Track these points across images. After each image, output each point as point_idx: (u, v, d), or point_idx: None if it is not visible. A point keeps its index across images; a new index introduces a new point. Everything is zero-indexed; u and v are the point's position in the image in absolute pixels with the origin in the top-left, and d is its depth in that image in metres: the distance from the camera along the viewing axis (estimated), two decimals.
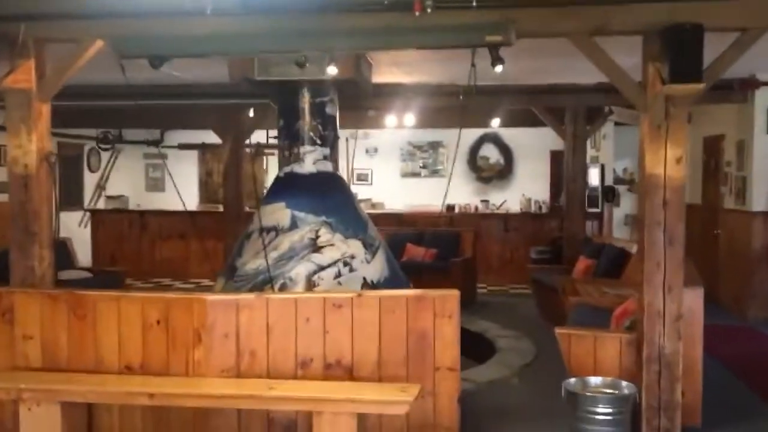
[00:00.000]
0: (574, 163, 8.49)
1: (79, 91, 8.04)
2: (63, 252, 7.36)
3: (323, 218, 5.64)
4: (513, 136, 12.11)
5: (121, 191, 13.10)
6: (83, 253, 11.34)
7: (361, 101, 7.88)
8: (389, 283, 5.70)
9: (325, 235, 5.59)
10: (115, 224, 11.16)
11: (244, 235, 5.87)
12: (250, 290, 5.35)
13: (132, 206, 13.32)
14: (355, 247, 5.66)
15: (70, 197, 12.03)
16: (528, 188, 11.79)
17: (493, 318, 7.56)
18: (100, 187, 12.87)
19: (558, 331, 4.47)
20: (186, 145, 13.31)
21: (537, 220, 10.63)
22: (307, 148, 5.80)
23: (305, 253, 5.48)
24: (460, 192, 12.28)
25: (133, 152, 13.78)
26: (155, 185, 14.40)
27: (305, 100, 5.77)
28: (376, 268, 5.70)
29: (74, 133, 11.59)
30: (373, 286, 5.56)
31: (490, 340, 6.45)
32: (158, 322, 3.76)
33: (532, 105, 8.50)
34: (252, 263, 5.51)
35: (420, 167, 13.20)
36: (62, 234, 11.95)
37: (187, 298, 3.76)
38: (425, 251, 8.67)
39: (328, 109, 5.87)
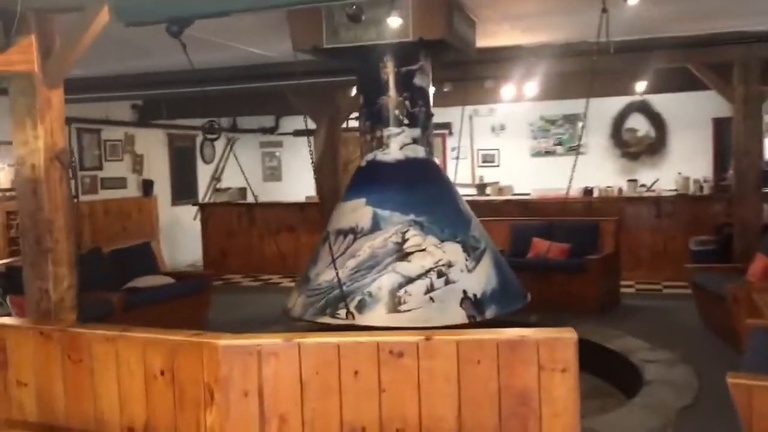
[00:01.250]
0: (746, 132, 6.78)
1: (168, 78, 7.53)
2: (146, 255, 6.80)
3: (412, 217, 4.56)
4: (666, 102, 10.32)
5: (239, 182, 12.68)
6: (195, 249, 10.99)
7: (471, 70, 6.67)
8: (498, 297, 4.53)
9: (414, 238, 4.50)
10: (225, 218, 10.65)
11: (322, 237, 4.91)
12: (323, 308, 4.39)
13: (249, 197, 12.90)
14: (453, 252, 4.54)
15: (184, 190, 11.73)
16: (685, 165, 9.98)
17: (641, 330, 6.14)
18: (215, 179, 12.50)
19: (731, 381, 3.11)
20: (301, 132, 12.65)
21: (697, 203, 8.88)
22: (392, 130, 4.72)
23: (389, 261, 4.43)
24: (601, 171, 10.70)
25: (249, 141, 13.35)
26: (272, 174, 13.93)
27: (387, 70, 4.69)
28: (480, 277, 4.54)
29: (184, 123, 11.24)
30: (476, 302, 4.41)
31: (635, 365, 5.09)
32: (162, 373, 2.86)
33: (688, 62, 6.86)
34: (326, 273, 4.54)
35: (554, 144, 11.71)
36: (174, 229, 11.75)
37: (195, 341, 2.82)
38: (556, 246, 7.33)
39: (418, 80, 4.76)
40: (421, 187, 4.71)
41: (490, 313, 4.44)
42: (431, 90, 4.92)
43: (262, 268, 10.39)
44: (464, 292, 4.41)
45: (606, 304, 7.05)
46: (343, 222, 4.71)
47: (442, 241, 4.55)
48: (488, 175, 11.96)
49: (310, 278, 4.66)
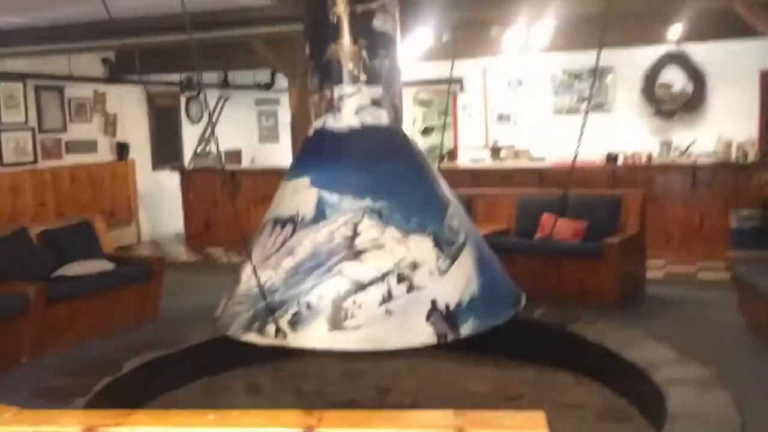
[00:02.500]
0: None
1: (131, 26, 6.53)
2: (85, 236, 5.91)
3: (368, 202, 3.55)
4: (706, 52, 9.06)
5: (234, 144, 11.70)
6: (178, 220, 10.13)
7: (469, 13, 5.57)
8: (479, 307, 3.54)
9: (369, 230, 3.50)
10: (208, 185, 9.74)
11: (260, 227, 3.93)
12: (250, 321, 3.44)
13: (245, 160, 11.97)
14: (421, 248, 3.53)
15: (167, 154, 10.82)
16: (727, 126, 8.76)
17: (668, 331, 5.13)
18: (205, 140, 11.55)
19: None
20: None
21: (741, 172, 7.69)
22: (345, 89, 3.69)
23: (335, 262, 3.44)
24: (630, 133, 9.55)
25: (243, 99, 12.36)
26: (269, 135, 12.96)
27: (338, 10, 3.63)
28: (456, 281, 3.54)
29: (165, 79, 10.26)
30: (449, 315, 3.42)
31: (657, 386, 4.08)
32: None
33: (733, 1, 5.66)
34: (262, 276, 3.57)
35: (577, 101, 10.54)
36: (156, 197, 10.89)
37: None
38: (569, 225, 6.28)
39: (379, 23, 3.70)
40: (382, 164, 3.69)
41: (467, 329, 3.45)
42: (399, 36, 3.86)
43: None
44: (433, 302, 3.42)
45: (627, 294, 6.02)
46: (282, 208, 3.73)
47: (407, 233, 3.54)
48: (503, 136, 10.86)
49: (241, 279, 3.70)
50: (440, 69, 10.21)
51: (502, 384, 4.97)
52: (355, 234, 3.49)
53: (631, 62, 9.69)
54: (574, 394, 4.72)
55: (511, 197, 6.81)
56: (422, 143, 14.47)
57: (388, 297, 3.38)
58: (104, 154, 9.56)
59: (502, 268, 3.96)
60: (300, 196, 3.67)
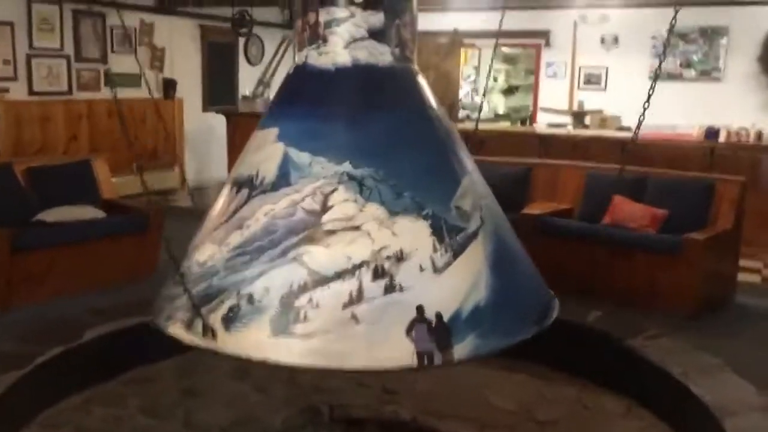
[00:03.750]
0: None
1: None
2: (80, 177, 5.29)
3: (346, 167, 2.68)
4: None
5: None
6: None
7: None
8: (487, 319, 2.64)
9: (342, 205, 2.64)
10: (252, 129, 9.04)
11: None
12: (181, 311, 2.66)
13: None
14: (412, 234, 2.65)
15: (220, 95, 10.20)
16: None
17: (757, 360, 4.07)
18: (263, 83, 10.85)
19: None
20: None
21: None
22: (334, 12, 2.80)
23: (292, 244, 2.60)
24: (741, 106, 8.20)
25: None
26: None
27: None
28: (457, 283, 2.65)
29: (221, 14, 9.56)
30: (439, 327, 2.54)
31: None
32: None
33: None
34: (205, 251, 2.78)
35: (681, 66, 9.20)
36: (204, 140, 10.31)
37: None
38: (645, 211, 5.19)
39: None
40: (373, 118, 2.80)
41: (463, 350, 2.56)
42: None
43: None
44: (419, 309, 2.54)
45: (710, 303, 4.93)
46: (243, 166, 2.91)
47: (394, 213, 2.66)
48: (591, 100, 9.67)
49: (187, 254, 2.91)
50: (526, 19, 9.13)
51: (534, 402, 4.06)
52: (324, 208, 2.63)
53: (747, 25, 8.29)
54: (621, 427, 3.76)
55: (579, 172, 5.76)
56: (504, 104, 13.34)
57: (358, 297, 2.52)
58: (147, 90, 9.00)
59: (530, 268, 3.02)
60: (263, 152, 2.84)
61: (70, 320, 4.24)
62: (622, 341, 4.13)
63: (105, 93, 8.33)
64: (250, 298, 2.54)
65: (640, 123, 3.09)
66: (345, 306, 2.50)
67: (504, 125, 10.30)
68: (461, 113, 10.86)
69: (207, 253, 2.74)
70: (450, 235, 2.70)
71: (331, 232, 2.60)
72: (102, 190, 5.40)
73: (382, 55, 2.85)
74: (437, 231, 2.69)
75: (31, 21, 7.46)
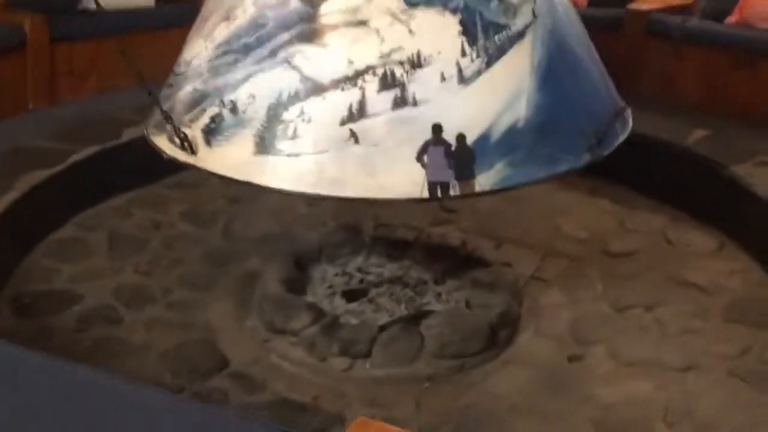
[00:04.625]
0: None
1: None
2: None
3: None
4: None
5: None
6: None
7: None
8: (525, 144, 2.13)
9: None
10: None
11: None
12: (164, 119, 2.30)
13: None
14: (435, 31, 2.10)
15: None
16: None
17: None
18: None
19: None
20: None
21: None
22: None
23: (284, 41, 2.12)
24: None
25: None
26: None
27: None
28: (489, 97, 2.12)
29: None
30: (459, 150, 2.06)
31: None
32: None
33: None
34: (193, 47, 2.36)
35: None
36: None
37: None
38: None
39: None
40: None
41: (489, 178, 2.08)
42: None
43: None
44: (436, 128, 2.05)
45: None
46: None
47: (413, 4, 2.09)
48: None
49: (182, 50, 2.49)
50: None
51: (611, 231, 3.59)
52: None
53: None
54: (708, 268, 3.25)
55: None
56: None
57: (359, 112, 2.06)
58: None
59: (597, 80, 2.41)
60: None
61: (114, 118, 4.04)
62: (726, 166, 3.49)
63: None
64: (234, 108, 2.14)
65: None
66: (343, 122, 2.06)
67: None
68: None
69: (195, 49, 2.32)
70: (486, 35, 2.12)
71: (331, 28, 2.10)
72: None
73: None
74: (469, 28, 2.12)
75: None
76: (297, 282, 2.96)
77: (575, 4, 2.74)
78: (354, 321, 2.74)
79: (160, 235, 3.54)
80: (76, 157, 3.63)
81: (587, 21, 2.49)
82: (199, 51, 2.28)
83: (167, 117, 2.14)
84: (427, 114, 2.06)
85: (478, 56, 2.11)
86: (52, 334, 2.75)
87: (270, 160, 2.08)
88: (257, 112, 2.10)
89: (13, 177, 3.34)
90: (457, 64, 2.10)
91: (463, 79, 2.09)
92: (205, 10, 2.39)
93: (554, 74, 2.20)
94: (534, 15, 2.21)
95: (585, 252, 3.41)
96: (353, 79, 2.06)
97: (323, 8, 2.09)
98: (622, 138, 2.35)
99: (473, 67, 2.11)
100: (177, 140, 2.17)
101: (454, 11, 2.11)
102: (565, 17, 2.34)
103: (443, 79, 2.08)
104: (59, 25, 4.14)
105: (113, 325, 2.83)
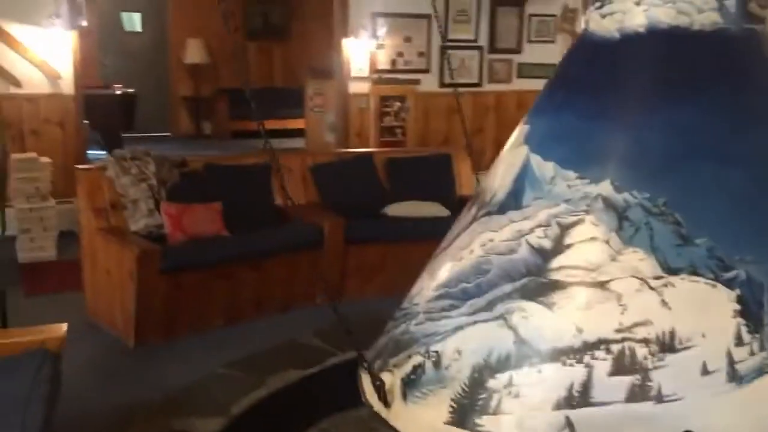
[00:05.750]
0: None
1: None
2: (439, 169, 4.97)
3: (605, 189, 1.76)
4: None
5: None
6: None
7: None
8: None
9: (587, 244, 1.73)
10: None
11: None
12: (375, 357, 2.08)
13: None
14: (700, 308, 1.60)
15: None
16: None
17: None
18: None
19: None
20: None
21: None
22: None
23: (503, 294, 1.79)
24: None
25: None
26: None
27: None
28: (763, 406, 1.51)
29: None
30: None
31: None
32: None
33: None
34: (419, 282, 2.15)
35: None
36: None
37: None
38: None
39: None
40: (670, 112, 1.77)
41: None
42: None
43: None
44: None
45: None
46: (490, 174, 2.15)
47: (672, 270, 1.63)
48: None
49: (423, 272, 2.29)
50: None
51: None
52: (559, 248, 1.75)
53: None
54: None
55: None
56: None
57: (581, 396, 1.61)
58: None
59: None
60: (510, 156, 2.04)
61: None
62: None
63: (515, 84, 8.02)
64: (437, 361, 1.83)
65: None
66: (559, 405, 1.62)
67: None
68: None
69: (418, 285, 2.10)
70: (760, 323, 1.56)
71: (561, 285, 1.71)
72: (460, 186, 5.04)
73: (701, 13, 1.79)
74: (751, 310, 1.59)
75: (448, 14, 7.51)
76: None
77: None
78: None
79: None
80: (333, 360, 3.57)
81: None
82: (421, 288, 2.05)
83: (366, 364, 1.90)
84: (675, 417, 1.52)
85: (762, 349, 1.55)
86: None
87: None
88: (460, 371, 1.76)
89: (272, 372, 3.34)
90: (729, 354, 1.55)
91: (735, 376, 1.54)
92: (441, 246, 2.18)
93: None
94: None
95: None
96: (580, 352, 1.63)
97: (556, 261, 1.73)
98: None
99: (752, 363, 1.54)
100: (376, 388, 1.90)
101: (730, 284, 1.60)
102: None
103: (706, 371, 1.55)
104: (355, 229, 4.33)
105: None
